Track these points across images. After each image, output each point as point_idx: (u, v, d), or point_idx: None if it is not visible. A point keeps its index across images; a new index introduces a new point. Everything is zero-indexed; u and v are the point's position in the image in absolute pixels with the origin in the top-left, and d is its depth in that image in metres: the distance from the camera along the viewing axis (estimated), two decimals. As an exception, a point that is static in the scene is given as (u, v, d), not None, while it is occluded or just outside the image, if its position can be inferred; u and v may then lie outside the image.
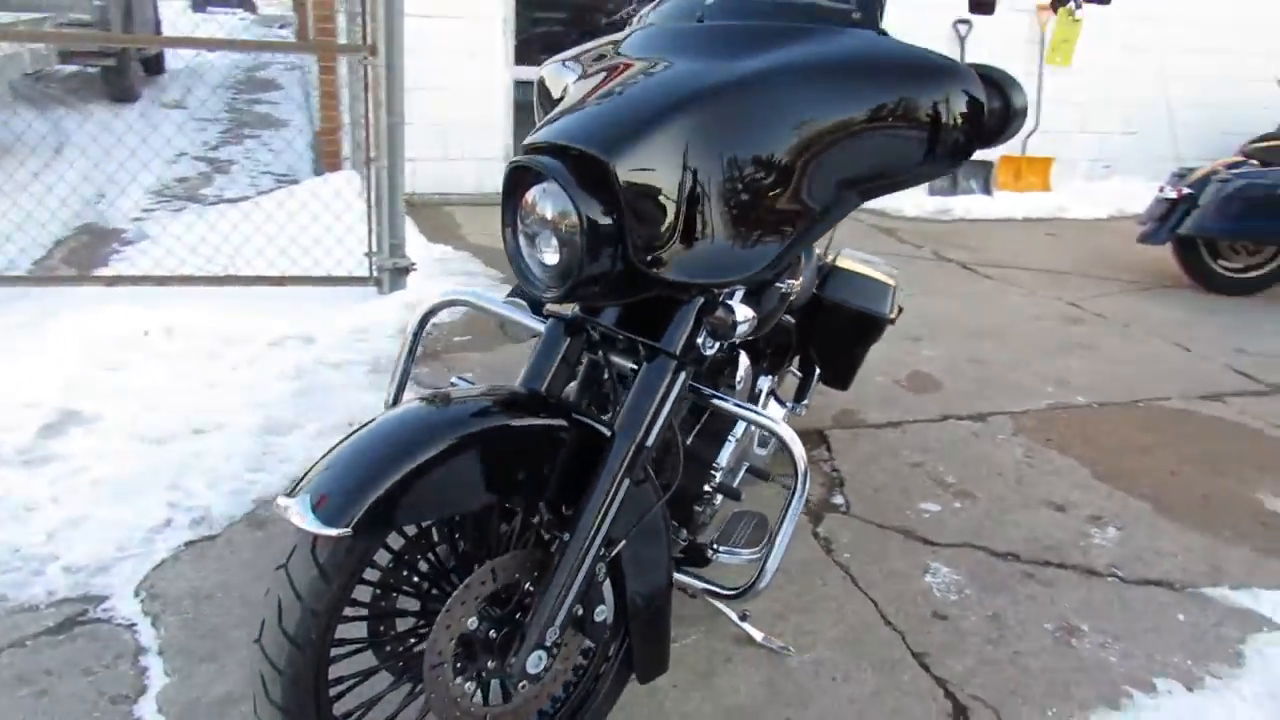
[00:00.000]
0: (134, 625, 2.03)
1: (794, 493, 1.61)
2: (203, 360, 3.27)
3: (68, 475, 2.52)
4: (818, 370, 2.61)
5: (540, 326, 1.71)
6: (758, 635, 2.06)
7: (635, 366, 1.61)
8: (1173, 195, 4.93)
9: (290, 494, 1.30)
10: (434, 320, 3.94)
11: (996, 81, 1.41)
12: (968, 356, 3.93)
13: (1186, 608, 2.30)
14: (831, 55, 1.39)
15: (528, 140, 1.43)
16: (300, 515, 1.25)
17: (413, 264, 4.01)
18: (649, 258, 1.35)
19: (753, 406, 1.63)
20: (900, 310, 2.62)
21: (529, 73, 6.58)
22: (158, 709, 1.80)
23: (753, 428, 1.96)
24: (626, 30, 1.78)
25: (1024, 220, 6.81)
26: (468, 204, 6.15)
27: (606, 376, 1.66)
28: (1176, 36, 7.26)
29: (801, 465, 1.61)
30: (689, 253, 1.37)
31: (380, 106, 3.72)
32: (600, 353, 1.63)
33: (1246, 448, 3.23)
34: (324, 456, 1.34)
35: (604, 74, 1.53)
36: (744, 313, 1.43)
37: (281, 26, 20.29)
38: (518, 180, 1.42)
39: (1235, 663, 2.11)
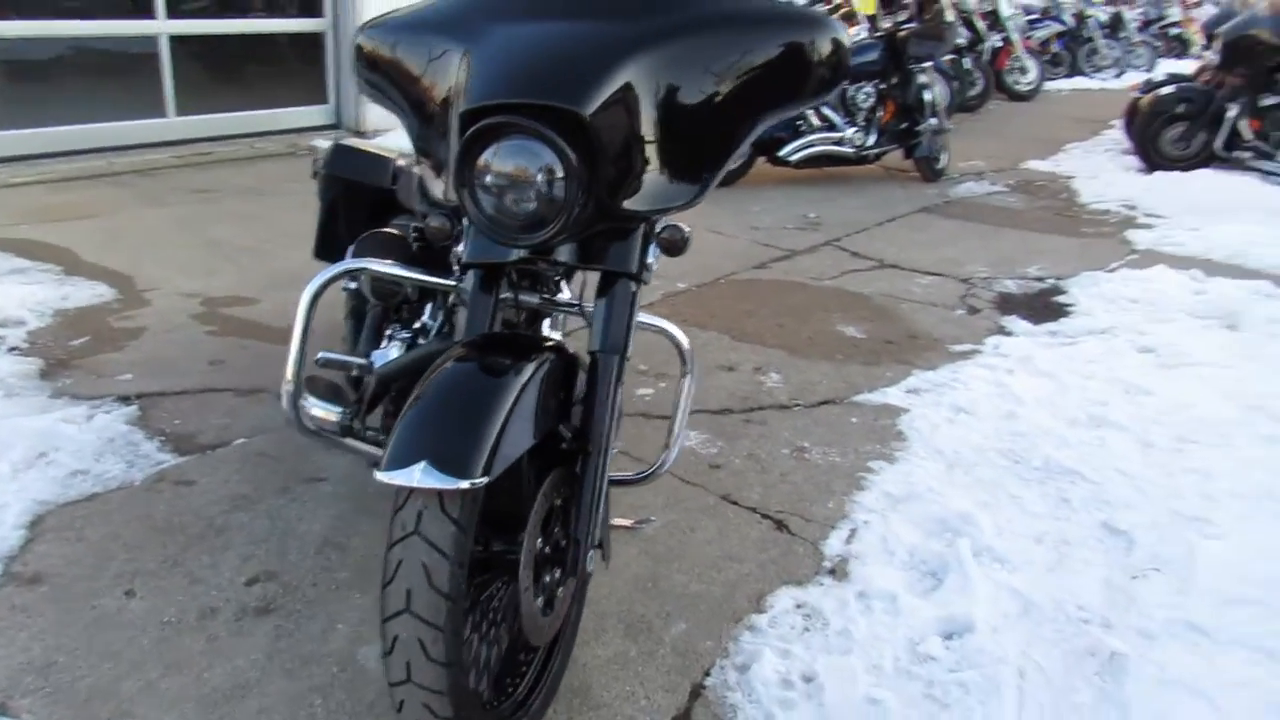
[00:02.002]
0: None
1: (687, 379, 1.95)
2: None
3: None
4: None
5: (444, 283, 1.82)
6: (623, 521, 2.37)
7: (538, 300, 1.82)
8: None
9: (386, 468, 1.34)
10: (26, 330, 3.43)
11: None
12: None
13: (853, 413, 3.09)
14: (729, 12, 1.69)
15: (468, 106, 1.53)
16: (426, 478, 1.31)
17: (-21, 272, 3.37)
18: (614, 195, 1.58)
19: (647, 316, 1.91)
20: None
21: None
22: None
23: None
24: None
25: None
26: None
27: (522, 313, 1.83)
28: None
29: (689, 355, 1.96)
30: (646, 186, 1.62)
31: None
32: (514, 293, 1.79)
33: (808, 297, 4.21)
34: (399, 429, 1.38)
35: (506, 37, 1.64)
36: (688, 230, 1.71)
37: None
38: (471, 142, 1.52)
39: (900, 439, 2.93)
